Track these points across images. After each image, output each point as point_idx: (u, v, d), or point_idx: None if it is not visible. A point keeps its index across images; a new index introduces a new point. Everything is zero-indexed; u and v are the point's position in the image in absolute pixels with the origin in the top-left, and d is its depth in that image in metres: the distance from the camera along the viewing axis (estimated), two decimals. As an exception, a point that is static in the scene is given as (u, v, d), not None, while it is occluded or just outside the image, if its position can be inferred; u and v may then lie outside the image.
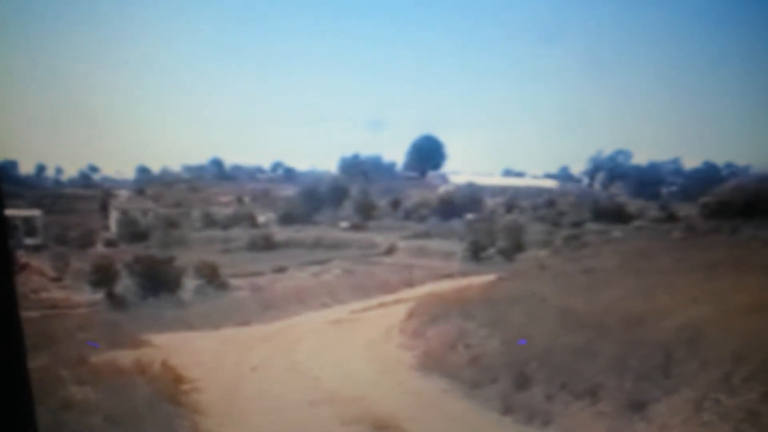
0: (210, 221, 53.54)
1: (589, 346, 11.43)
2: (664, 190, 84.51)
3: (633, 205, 63.75)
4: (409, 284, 28.64)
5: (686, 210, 48.86)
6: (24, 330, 2.38)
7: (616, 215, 53.76)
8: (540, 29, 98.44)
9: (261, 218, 57.16)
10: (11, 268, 2.46)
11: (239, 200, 67.29)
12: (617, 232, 45.08)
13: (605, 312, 12.92)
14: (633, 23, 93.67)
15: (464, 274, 31.20)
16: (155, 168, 78.37)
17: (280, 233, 49.28)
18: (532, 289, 18.16)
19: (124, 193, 61.84)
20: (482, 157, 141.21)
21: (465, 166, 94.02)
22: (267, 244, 45.04)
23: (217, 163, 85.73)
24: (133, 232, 46.26)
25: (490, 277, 25.00)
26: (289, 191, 68.05)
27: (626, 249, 27.37)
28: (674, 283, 15.09)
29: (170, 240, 42.12)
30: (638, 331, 11.30)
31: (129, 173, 74.84)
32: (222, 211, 57.81)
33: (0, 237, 2.37)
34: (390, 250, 43.84)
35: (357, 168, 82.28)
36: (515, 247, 40.07)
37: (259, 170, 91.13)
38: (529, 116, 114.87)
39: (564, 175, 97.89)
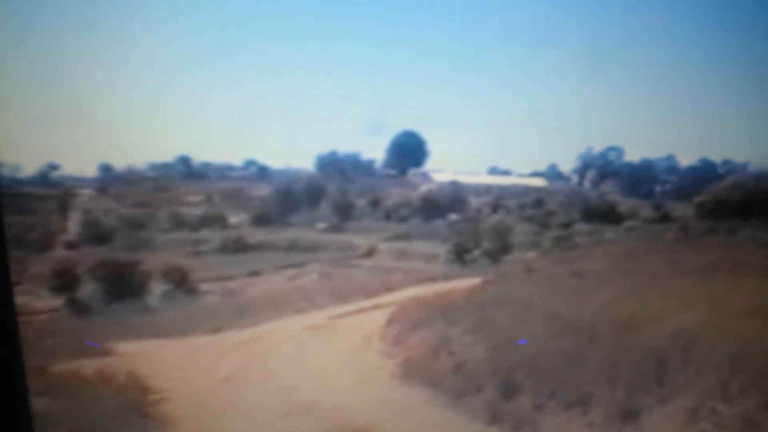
0: (178, 222, 53.21)
1: (578, 353, 11.49)
2: (657, 189, 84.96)
3: (625, 204, 64.18)
4: (390, 288, 28.58)
5: (681, 209, 49.29)
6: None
7: (607, 215, 54.12)
8: (528, 26, 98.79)
9: (233, 219, 56.94)
10: (8, 269, 2.53)
11: (209, 200, 66.93)
12: (609, 233, 45.45)
13: (595, 316, 13.00)
14: (622, 17, 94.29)
15: (447, 277, 31.20)
16: (119, 166, 77.86)
17: (254, 235, 49.10)
18: (519, 292, 18.25)
19: (86, 193, 61.23)
20: (466, 154, 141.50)
21: (448, 164, 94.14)
22: (239, 247, 44.89)
23: (184, 161, 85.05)
24: (96, 234, 45.84)
25: (474, 281, 25.02)
26: (262, 190, 67.76)
27: (618, 250, 27.59)
28: (668, 286, 15.24)
29: (136, 242, 41.79)
30: (630, 336, 11.37)
31: (91, 171, 74.08)
32: (191, 212, 57.47)
33: None
34: (369, 253, 43.85)
35: (334, 166, 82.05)
36: (501, 248, 40.22)
37: (230, 168, 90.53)
38: (516, 112, 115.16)
39: (552, 173, 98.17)
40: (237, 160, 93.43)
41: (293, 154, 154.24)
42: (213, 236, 47.99)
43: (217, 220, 54.61)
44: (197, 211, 57.69)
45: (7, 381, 2.44)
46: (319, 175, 75.50)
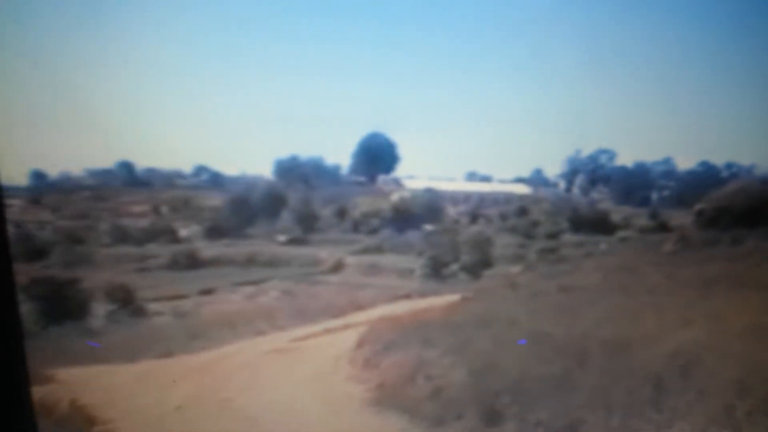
0: (121, 235, 52.78)
1: (567, 377, 11.55)
2: (653, 195, 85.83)
3: (618, 212, 64.85)
4: (360, 307, 28.59)
5: (679, 218, 49.73)
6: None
7: (598, 225, 54.62)
8: (514, 22, 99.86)
9: (183, 231, 56.62)
10: (11, 268, 2.65)
11: (156, 210, 66.50)
12: (600, 244, 45.78)
13: (586, 337, 13.08)
14: (613, 14, 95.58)
15: (423, 294, 31.35)
16: (53, 173, 77.03)
17: (207, 249, 48.85)
18: (502, 310, 18.35)
19: (15, 203, 60.41)
20: (442, 158, 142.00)
21: (422, 170, 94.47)
22: (191, 262, 44.64)
23: (126, 167, 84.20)
24: (29, 249, 45.27)
25: (453, 298, 25.19)
26: (215, 200, 67.45)
27: (610, 263, 27.75)
28: (665, 303, 15.35)
29: (74, 258, 41.39)
30: (624, 358, 11.44)
31: (22, 179, 73.13)
32: (135, 224, 57.03)
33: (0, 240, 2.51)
34: (336, 268, 43.83)
35: (296, 172, 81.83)
36: (482, 262, 40.49)
37: (179, 175, 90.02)
38: (497, 112, 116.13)
39: (537, 179, 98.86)
40: (186, 166, 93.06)
41: (249, 159, 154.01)
42: (161, 251, 47.66)
43: (165, 233, 54.23)
44: (142, 223, 57.26)
45: (10, 385, 2.56)
46: (279, 182, 75.30)
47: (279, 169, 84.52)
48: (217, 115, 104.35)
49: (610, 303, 16.71)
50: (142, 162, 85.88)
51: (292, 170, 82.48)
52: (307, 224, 59.63)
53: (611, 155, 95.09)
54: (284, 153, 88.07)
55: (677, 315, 13.51)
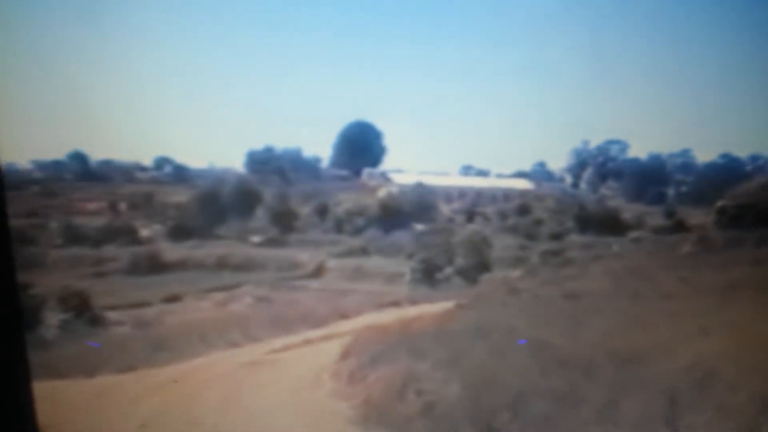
0: (75, 236, 52.66)
1: (573, 391, 11.63)
2: (670, 191, 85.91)
3: (630, 210, 65.23)
4: (344, 315, 28.75)
5: (698, 216, 50.07)
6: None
7: (608, 224, 54.85)
8: (515, 6, 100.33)
9: (145, 231, 56.62)
10: (13, 266, 2.82)
11: (113, 208, 66.40)
12: (610, 245, 46.01)
13: (594, 347, 13.17)
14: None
15: (414, 301, 31.54)
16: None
17: (172, 251, 48.90)
18: (501, 318, 18.46)
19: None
20: (434, 151, 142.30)
21: (411, 163, 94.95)
22: (154, 266, 44.67)
23: (79, 159, 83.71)
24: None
25: (446, 305, 25.29)
26: (180, 195, 67.39)
27: (621, 267, 27.85)
28: (681, 311, 15.44)
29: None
30: (636, 370, 11.53)
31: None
32: (90, 223, 56.87)
33: (2, 237, 2.69)
34: (317, 272, 43.99)
35: (270, 165, 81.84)
36: (479, 266, 40.66)
37: (139, 168, 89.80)
38: (494, 101, 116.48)
39: (540, 173, 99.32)
40: (146, 157, 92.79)
41: (218, 150, 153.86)
42: (120, 253, 47.64)
43: (124, 233, 54.18)
44: (98, 222, 57.11)
45: (10, 380, 2.72)
46: (252, 176, 75.28)
47: (252, 161, 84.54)
48: (182, 102, 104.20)
49: (621, 310, 16.79)
50: (97, 153, 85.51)
51: (266, 163, 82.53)
52: (284, 223, 59.71)
53: (623, 146, 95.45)
54: (257, 144, 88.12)
55: (695, 324, 13.50)
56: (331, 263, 45.44)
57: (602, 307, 17.67)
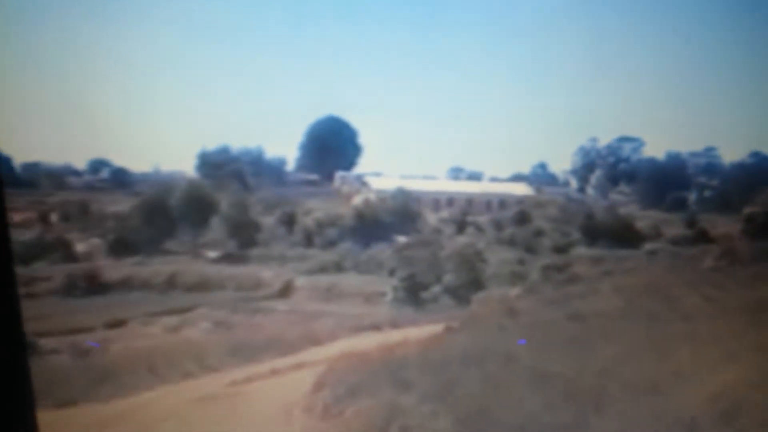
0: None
1: (580, 427, 11.84)
2: (691, 196, 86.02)
3: (645, 218, 65.53)
4: (316, 340, 28.85)
5: (724, 225, 50.36)
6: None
7: (619, 235, 55.08)
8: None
9: (81, 246, 56.43)
10: (12, 264, 3.09)
11: (43, 219, 66.07)
12: (622, 259, 46.14)
13: (604, 376, 13.37)
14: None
15: (396, 324, 31.63)
16: None
17: (113, 269, 48.84)
18: (497, 344, 18.61)
19: None
20: (418, 151, 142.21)
21: (392, 165, 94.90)
22: (93, 286, 44.59)
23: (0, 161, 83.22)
24: None
25: (434, 328, 25.42)
26: (121, 204, 67.15)
27: (635, 284, 27.97)
28: (704, 333, 15.59)
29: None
30: (651, 403, 11.73)
31: None
32: (17, 236, 56.55)
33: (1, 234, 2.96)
34: (284, 291, 44.03)
35: (227, 168, 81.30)
36: (471, 283, 40.80)
37: (72, 172, 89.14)
38: (488, 94, 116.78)
39: (541, 176, 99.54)
40: (79, 160, 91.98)
41: (164, 151, 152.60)
42: (52, 271, 47.48)
43: (56, 248, 54.00)
44: (26, 236, 56.75)
45: (10, 380, 2.98)
46: (205, 181, 74.82)
47: (205, 164, 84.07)
48: (122, 95, 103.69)
49: (634, 334, 16.83)
50: (22, 156, 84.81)
51: (222, 166, 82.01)
52: (244, 236, 59.60)
53: (637, 145, 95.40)
54: (211, 143, 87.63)
55: (720, 349, 13.63)
56: (300, 281, 45.53)
57: (613, 331, 17.79)
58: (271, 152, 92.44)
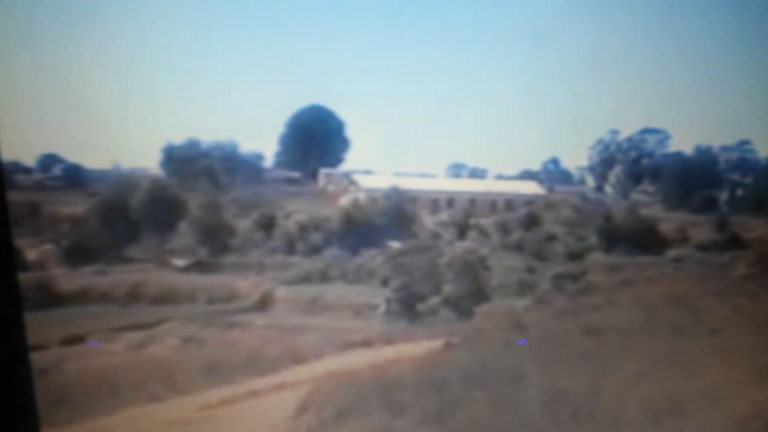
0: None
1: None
2: (722, 196, 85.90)
3: (671, 220, 65.37)
4: (299, 359, 28.94)
5: (758, 228, 50.30)
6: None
7: (641, 239, 54.98)
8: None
9: (31, 253, 56.32)
10: (15, 263, 3.32)
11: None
12: (645, 267, 46.10)
13: (621, 397, 13.49)
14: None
15: (389, 339, 31.77)
16: None
17: (68, 278, 48.73)
18: (503, 361, 18.70)
19: None
20: (414, 146, 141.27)
21: (384, 161, 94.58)
22: (47, 298, 44.40)
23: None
24: None
25: (432, 344, 25.59)
26: (76, 205, 66.81)
27: (658, 295, 28.04)
28: (734, 349, 15.69)
29: None
30: (675, 425, 11.87)
31: None
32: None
33: (3, 233, 3.17)
34: (263, 303, 43.98)
35: (197, 165, 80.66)
36: (474, 294, 40.81)
37: (20, 169, 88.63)
38: (492, 81, 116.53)
39: (553, 174, 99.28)
40: (28, 155, 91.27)
41: (125, 145, 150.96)
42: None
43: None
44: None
45: (11, 379, 3.21)
46: (172, 179, 74.40)
47: (171, 159, 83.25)
48: (75, 82, 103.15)
49: (656, 349, 16.95)
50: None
51: (191, 162, 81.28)
52: (217, 241, 59.39)
53: (662, 137, 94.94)
54: (178, 136, 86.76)
55: (751, 365, 13.76)
56: (281, 292, 45.50)
57: (633, 346, 17.89)
58: (246, 147, 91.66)
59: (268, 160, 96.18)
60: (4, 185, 3.53)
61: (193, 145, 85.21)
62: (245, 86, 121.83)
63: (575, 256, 52.51)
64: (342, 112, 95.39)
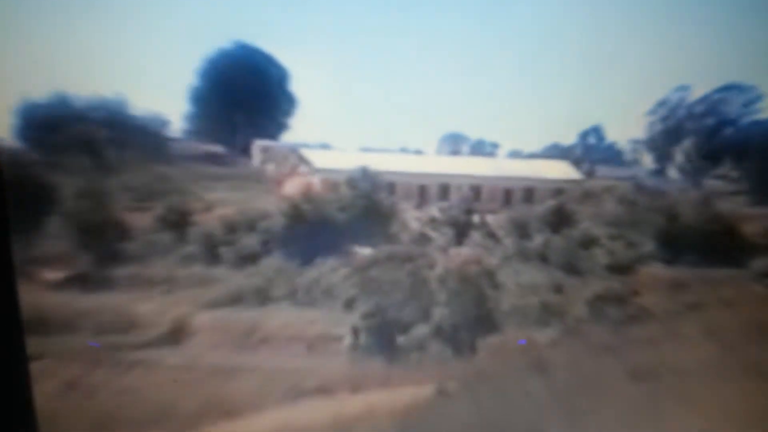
0: None
1: None
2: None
3: (759, 219, 66.18)
4: (227, 412, 29.53)
5: None
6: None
7: (717, 245, 55.60)
8: None
9: None
10: (12, 267, 4.43)
11: None
12: (718, 285, 46.88)
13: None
14: None
15: (357, 385, 32.26)
16: None
17: None
18: (517, 416, 19.63)
19: None
20: (392, 108, 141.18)
21: (349, 132, 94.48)
22: None
23: None
24: None
25: (419, 392, 26.39)
26: None
27: (738, 324, 28.94)
28: None
29: None
30: None
31: None
32: None
33: (1, 236, 4.35)
34: (175, 335, 44.18)
35: (68, 132, 79.51)
36: (477, 321, 41.46)
37: None
38: (505, 24, 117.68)
39: (595, 149, 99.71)
40: None
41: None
42: None
43: None
44: None
45: (10, 379, 4.34)
46: (34, 154, 73.85)
47: (29, 125, 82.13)
48: None
49: (730, 398, 17.67)
50: None
51: (59, 128, 79.87)
52: (104, 245, 59.17)
53: (751, 97, 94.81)
54: (39, 90, 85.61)
55: None
56: (201, 319, 45.97)
57: (698, 395, 18.63)
58: (140, 104, 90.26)
59: (176, 126, 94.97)
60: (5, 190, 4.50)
61: (60, 102, 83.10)
62: (136, 13, 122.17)
63: (622, 269, 52.95)
64: (284, 55, 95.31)
